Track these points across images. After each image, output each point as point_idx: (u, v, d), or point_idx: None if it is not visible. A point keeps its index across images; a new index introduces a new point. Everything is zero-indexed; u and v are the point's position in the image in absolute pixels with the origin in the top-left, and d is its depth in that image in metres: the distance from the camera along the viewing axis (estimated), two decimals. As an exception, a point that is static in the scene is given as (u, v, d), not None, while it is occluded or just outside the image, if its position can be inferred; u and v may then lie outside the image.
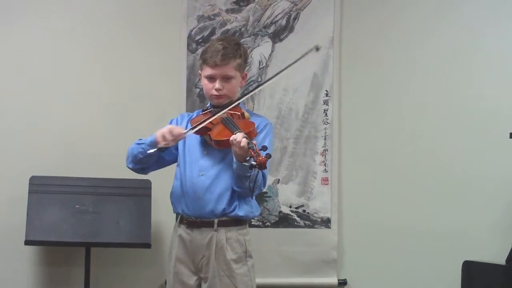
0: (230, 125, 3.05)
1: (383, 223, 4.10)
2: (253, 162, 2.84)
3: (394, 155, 4.13)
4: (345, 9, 4.14)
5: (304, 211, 4.11)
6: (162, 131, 3.05)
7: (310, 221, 4.11)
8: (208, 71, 3.19)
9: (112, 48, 4.07)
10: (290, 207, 4.12)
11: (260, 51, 4.13)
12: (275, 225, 4.11)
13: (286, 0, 4.12)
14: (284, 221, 4.11)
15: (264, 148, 2.89)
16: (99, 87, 4.06)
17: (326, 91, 4.14)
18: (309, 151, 4.14)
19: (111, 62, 4.07)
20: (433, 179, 4.07)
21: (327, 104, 4.14)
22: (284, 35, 4.14)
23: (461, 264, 3.84)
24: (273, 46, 4.13)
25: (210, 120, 3.10)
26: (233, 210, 3.12)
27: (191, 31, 4.10)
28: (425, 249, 4.05)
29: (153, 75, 4.09)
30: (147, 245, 3.72)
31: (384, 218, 4.10)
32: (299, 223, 4.11)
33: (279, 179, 4.12)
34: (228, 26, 4.12)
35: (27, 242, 3.65)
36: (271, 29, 4.14)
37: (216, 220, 3.12)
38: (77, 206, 3.73)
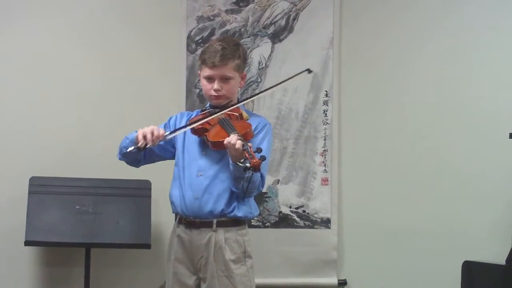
0: (226, 126, 3.05)
1: (383, 223, 4.09)
2: (247, 164, 2.84)
3: (394, 155, 4.12)
4: (344, 9, 4.14)
5: (304, 211, 4.11)
6: (143, 130, 3.04)
7: (310, 221, 4.11)
8: (206, 71, 3.19)
9: (112, 49, 4.08)
10: (290, 207, 4.12)
11: (259, 51, 4.13)
12: (275, 225, 4.11)
13: (285, 0, 4.12)
14: (284, 221, 4.11)
15: (259, 150, 2.89)
16: (99, 87, 4.06)
17: (326, 91, 4.14)
18: (309, 151, 4.14)
19: (111, 62, 4.08)
20: (433, 179, 4.07)
21: (326, 105, 4.14)
22: (284, 35, 4.14)
23: (461, 264, 3.83)
24: (272, 47, 4.13)
25: (206, 120, 3.09)
26: (232, 211, 3.12)
27: (191, 31, 4.11)
28: (425, 249, 4.05)
29: (153, 75, 4.09)
30: (147, 246, 3.73)
31: (384, 218, 4.10)
32: (299, 223, 4.11)
33: (279, 180, 4.12)
34: (228, 27, 4.12)
35: (27, 243, 3.65)
36: (271, 29, 4.14)
37: (215, 221, 3.11)
38: (77, 207, 3.74)
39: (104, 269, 3.97)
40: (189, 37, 4.10)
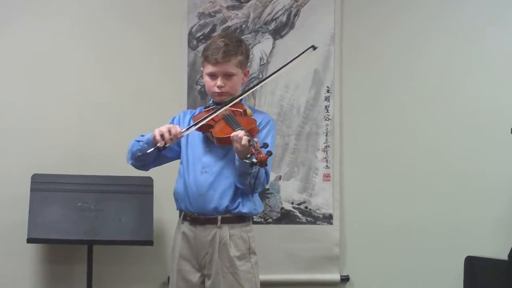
0: (231, 122, 3.05)
1: (385, 219, 4.09)
2: (254, 160, 2.84)
3: (396, 151, 4.12)
4: (345, 5, 4.14)
5: (306, 207, 4.11)
6: (160, 130, 3.04)
7: (312, 217, 4.11)
8: (209, 68, 3.19)
9: (113, 46, 4.07)
10: (292, 203, 4.12)
11: (260, 47, 4.12)
12: (277, 221, 4.11)
13: (286, -4, 4.13)
14: (286, 217, 4.11)
15: (265, 145, 2.89)
16: (100, 84, 4.05)
17: (327, 87, 4.14)
18: (310, 147, 4.13)
19: (112, 59, 4.06)
20: (435, 174, 4.07)
21: (328, 101, 4.13)
22: (285, 31, 4.13)
23: (464, 259, 3.83)
24: (273, 43, 4.13)
25: (212, 117, 3.09)
26: (237, 207, 3.12)
27: (192, 28, 4.10)
28: (427, 245, 4.05)
29: (154, 72, 4.08)
30: (150, 243, 3.72)
31: (387, 214, 4.09)
32: (301, 219, 4.11)
33: (280, 176, 4.12)
34: (229, 23, 4.12)
35: (29, 240, 3.64)
36: (272, 25, 4.13)
37: (219, 217, 3.12)
38: (79, 204, 3.73)
39: (107, 266, 3.97)
40: (190, 34, 4.09)
